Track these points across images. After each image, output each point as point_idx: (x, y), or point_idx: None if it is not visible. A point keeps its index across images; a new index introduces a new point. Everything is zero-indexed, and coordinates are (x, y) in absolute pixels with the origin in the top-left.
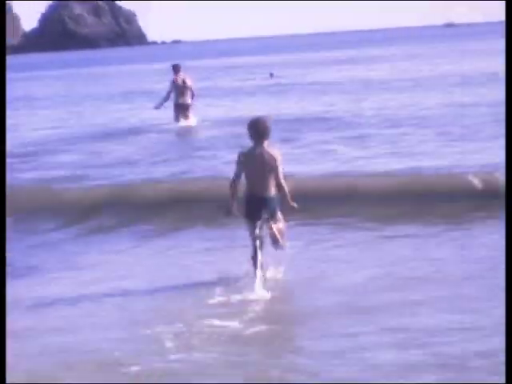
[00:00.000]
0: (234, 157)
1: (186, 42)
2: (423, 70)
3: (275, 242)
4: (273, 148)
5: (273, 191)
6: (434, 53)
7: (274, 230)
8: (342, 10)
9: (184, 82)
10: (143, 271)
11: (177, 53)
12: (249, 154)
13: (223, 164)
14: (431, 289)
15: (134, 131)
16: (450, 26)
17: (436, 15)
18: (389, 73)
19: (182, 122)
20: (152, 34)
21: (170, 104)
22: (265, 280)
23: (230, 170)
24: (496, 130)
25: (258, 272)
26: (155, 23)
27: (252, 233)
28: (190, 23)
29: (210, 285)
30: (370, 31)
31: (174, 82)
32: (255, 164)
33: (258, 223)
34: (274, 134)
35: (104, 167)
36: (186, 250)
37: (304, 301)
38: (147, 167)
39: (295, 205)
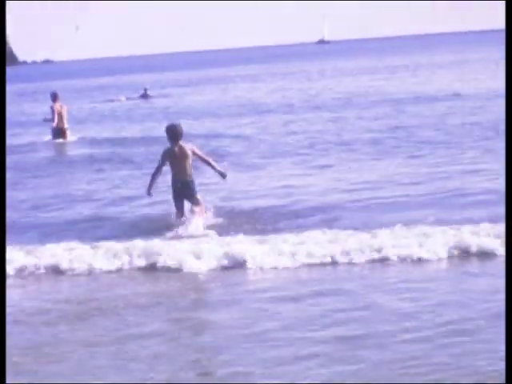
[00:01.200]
0: None
1: (57, 62)
2: (295, 88)
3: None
4: (186, 144)
5: (190, 177)
6: (308, 71)
7: (196, 211)
8: (220, 28)
9: (61, 108)
10: None
11: (49, 73)
12: (170, 151)
13: None
14: None
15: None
16: (322, 42)
17: (310, 32)
18: (265, 93)
19: (58, 140)
20: (22, 54)
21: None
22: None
23: None
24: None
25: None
26: (25, 43)
27: (178, 207)
28: (62, 42)
29: None
30: (252, 48)
31: (53, 109)
32: (175, 157)
33: (182, 200)
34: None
35: None
36: None
37: None
38: None
39: (224, 172)
